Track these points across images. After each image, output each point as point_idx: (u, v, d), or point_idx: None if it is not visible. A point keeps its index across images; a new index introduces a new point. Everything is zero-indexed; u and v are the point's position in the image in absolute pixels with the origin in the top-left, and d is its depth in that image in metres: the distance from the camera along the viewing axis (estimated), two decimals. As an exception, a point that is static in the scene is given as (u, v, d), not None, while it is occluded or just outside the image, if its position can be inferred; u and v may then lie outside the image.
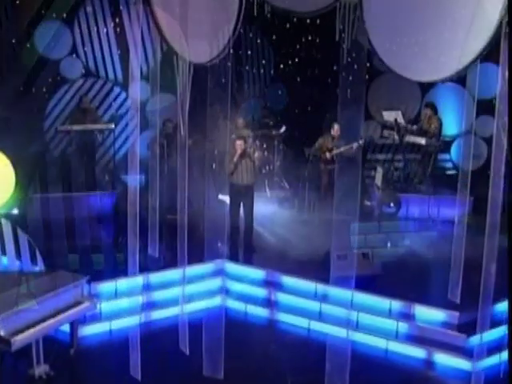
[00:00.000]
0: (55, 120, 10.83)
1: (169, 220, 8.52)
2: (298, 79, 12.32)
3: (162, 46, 8.13)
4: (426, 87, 11.48)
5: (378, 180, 10.50)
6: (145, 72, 10.90)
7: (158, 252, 7.58)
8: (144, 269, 7.27)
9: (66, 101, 10.89)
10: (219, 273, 7.84)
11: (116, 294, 7.13)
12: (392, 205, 10.05)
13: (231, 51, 7.06)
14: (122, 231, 7.59)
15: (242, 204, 8.43)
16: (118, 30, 10.98)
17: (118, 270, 7.31)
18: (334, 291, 7.30)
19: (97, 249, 8.01)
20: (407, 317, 6.94)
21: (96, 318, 6.83)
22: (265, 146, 10.72)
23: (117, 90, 11.22)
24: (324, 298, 7.31)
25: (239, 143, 8.42)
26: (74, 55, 10.92)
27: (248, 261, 8.10)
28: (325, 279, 7.35)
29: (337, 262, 7.42)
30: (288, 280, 7.64)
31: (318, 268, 7.65)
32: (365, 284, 7.12)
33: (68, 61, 10.82)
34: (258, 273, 7.82)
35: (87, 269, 7.19)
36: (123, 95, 11.21)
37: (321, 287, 7.40)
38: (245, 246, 8.41)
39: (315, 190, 10.20)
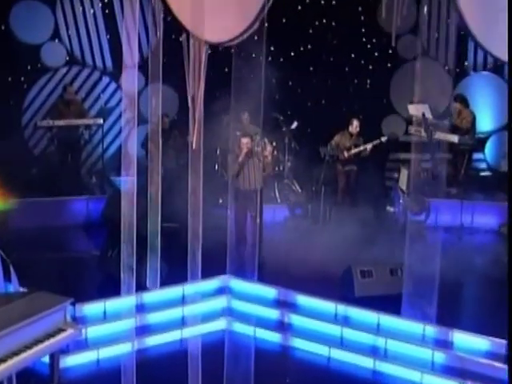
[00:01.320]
0: (35, 114, 10.91)
1: (165, 229, 8.31)
2: (311, 68, 12.29)
3: (164, 22, 7.80)
4: (457, 77, 11.40)
5: (403, 183, 10.33)
6: (138, 59, 10.91)
7: (155, 267, 7.41)
8: (138, 287, 7.10)
9: (48, 92, 10.97)
10: (223, 291, 7.69)
11: (105, 317, 6.93)
12: (420, 211, 9.83)
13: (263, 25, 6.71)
14: (112, 242, 7.53)
15: (248, 211, 8.28)
16: (107, 10, 10.95)
17: (108, 288, 7.17)
18: (358, 313, 7.10)
19: (83, 264, 7.98)
20: (444, 345, 6.66)
21: (81, 345, 6.57)
22: (274, 144, 10.50)
23: (106, 79, 11.31)
24: (346, 322, 7.07)
25: (245, 141, 8.23)
26: (57, 40, 10.98)
27: (257, 277, 7.89)
28: (346, 299, 7.23)
29: (360, 280, 7.29)
30: (303, 300, 7.44)
31: (338, 286, 7.50)
32: (393, 305, 6.91)
33: (49, 46, 10.89)
34: (268, 291, 7.63)
35: (71, 288, 7.05)
36: (113, 86, 11.33)
37: (342, 308, 7.19)
38: (252, 259, 8.21)
39: (331, 195, 10.14)
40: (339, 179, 10.29)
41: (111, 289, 7.06)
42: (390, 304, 6.91)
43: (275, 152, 10.51)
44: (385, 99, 11.77)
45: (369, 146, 10.13)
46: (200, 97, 7.24)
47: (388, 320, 6.93)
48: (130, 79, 10.39)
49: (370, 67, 11.92)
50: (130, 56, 10.03)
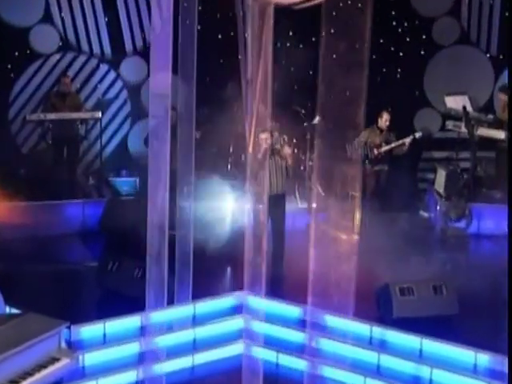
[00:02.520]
0: (23, 106, 10.80)
1: (170, 237, 8.12)
2: (334, 55, 11.52)
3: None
4: (501, 65, 11.30)
5: (440, 185, 10.30)
6: (140, 45, 11.11)
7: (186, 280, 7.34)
8: (142, 305, 6.90)
9: (38, 81, 10.88)
10: (240, 310, 7.50)
11: (105, 341, 6.76)
12: (460, 218, 9.80)
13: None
14: (112, 253, 7.51)
15: (269, 218, 8.08)
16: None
17: (109, 307, 7.08)
18: (397, 337, 6.89)
19: (79, 278, 7.88)
20: (500, 376, 6.33)
21: (78, 374, 6.35)
22: (294, 140, 10.48)
23: (104, 67, 11.23)
24: (383, 347, 6.87)
25: (264, 137, 8.01)
26: (48, 22, 10.87)
27: (278, 294, 7.79)
28: (383, 320, 7.06)
29: (399, 298, 7.07)
30: (333, 320, 7.24)
31: (373, 305, 7.31)
32: (438, 328, 6.80)
33: (40, 29, 10.78)
34: (292, 310, 7.46)
35: (66, 307, 6.94)
36: (112, 75, 11.27)
37: (378, 331, 6.99)
38: (273, 273, 8.06)
39: (360, 198, 9.58)
40: (367, 181, 10.09)
41: (112, 308, 6.99)
42: (434, 327, 6.79)
43: (295, 150, 10.41)
44: (417, 91, 11.62)
45: (406, 142, 9.92)
46: (265, 80, 7.15)
47: (432, 345, 6.71)
48: (132, 67, 10.36)
49: (401, 54, 11.72)
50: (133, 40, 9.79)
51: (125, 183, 10.35)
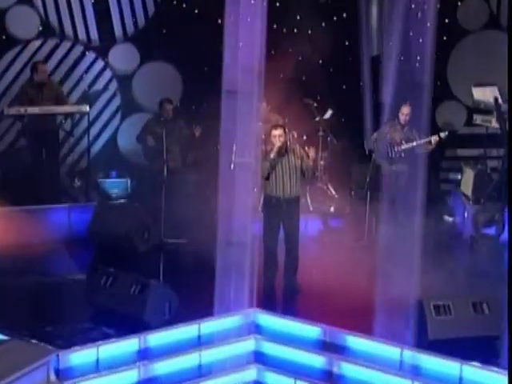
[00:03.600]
0: (0, 99, 10.74)
1: (169, 246, 8.63)
2: (347, 42, 12.00)
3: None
4: None
5: (467, 187, 10.23)
6: (131, 30, 11.09)
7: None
8: (140, 326, 6.82)
9: (16, 70, 10.78)
10: (250, 330, 7.32)
11: (98, 367, 6.55)
12: (490, 223, 9.63)
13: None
14: (104, 265, 7.31)
15: (281, 225, 7.97)
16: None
17: (101, 328, 6.89)
18: (432, 362, 6.67)
19: (66, 294, 7.77)
20: None
21: None
22: (304, 137, 10.37)
23: (90, 55, 11.11)
24: (416, 372, 6.64)
25: (277, 133, 7.89)
26: (27, 4, 10.76)
27: (292, 311, 7.65)
28: (415, 342, 6.80)
29: (435, 317, 6.82)
30: (357, 342, 7.07)
31: (402, 325, 7.02)
32: (480, 352, 6.61)
33: (17, 11, 10.66)
34: (309, 330, 7.25)
35: (53, 330, 6.72)
36: (100, 64, 11.16)
37: (410, 355, 6.77)
38: (286, 288, 7.96)
39: (377, 201, 9.76)
40: (386, 181, 9.83)
41: (106, 329, 6.84)
42: (475, 350, 6.62)
43: (306, 147, 10.06)
44: (439, 81, 11.38)
45: (431, 141, 9.71)
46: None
47: (474, 372, 6.52)
48: (122, 55, 10.83)
49: (420, 40, 11.22)
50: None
51: (115, 185, 10.26)
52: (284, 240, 7.96)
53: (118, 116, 11.18)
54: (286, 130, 8.21)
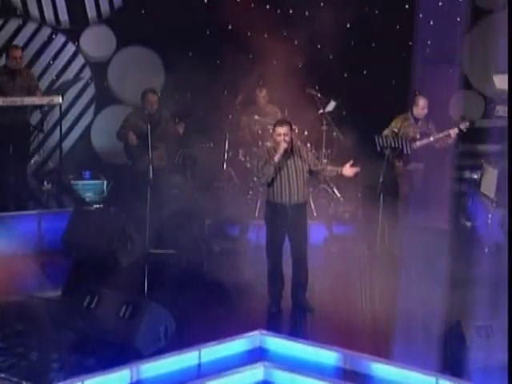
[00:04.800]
0: None
1: (155, 257, 8.47)
2: (348, 25, 11.78)
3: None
4: None
5: (489, 187, 10.14)
6: (106, 10, 10.99)
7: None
8: (132, 355, 6.53)
9: None
10: (257, 356, 7.03)
11: None
12: None
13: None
14: (86, 283, 7.00)
15: (287, 235, 7.78)
16: None
17: (85, 359, 6.58)
18: None
19: (39, 316, 7.38)
20: None
21: None
22: (305, 133, 10.22)
23: (60, 39, 11.02)
24: None
25: (283, 131, 7.69)
26: None
27: (304, 333, 7.53)
28: (454, 370, 6.57)
29: (477, 341, 6.57)
30: (383, 369, 6.77)
31: (435, 349, 6.80)
32: None
33: None
34: (326, 355, 6.97)
35: (25, 362, 6.44)
36: (70, 49, 11.08)
37: None
38: (296, 306, 7.78)
39: (391, 204, 9.78)
40: (399, 182, 9.94)
41: (92, 359, 6.52)
42: None
43: (308, 144, 10.22)
44: (452, 69, 11.27)
45: (451, 135, 9.67)
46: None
47: None
48: (96, 39, 10.81)
49: (431, 23, 11.37)
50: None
51: (89, 187, 10.20)
52: (291, 252, 7.73)
53: (92, 109, 11.08)
54: (292, 126, 7.98)
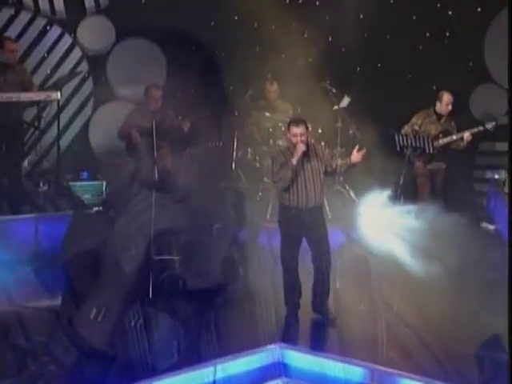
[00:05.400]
0: None
1: (160, 264, 8.27)
2: (361, 15, 11.53)
3: None
4: None
5: None
6: (104, 0, 10.99)
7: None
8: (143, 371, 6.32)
9: None
10: (275, 370, 6.89)
11: None
12: None
13: None
14: (93, 294, 6.99)
15: (306, 241, 7.67)
16: None
17: (91, 376, 6.20)
18: None
19: (39, 328, 6.95)
20: None
21: None
22: (319, 130, 10.15)
23: (55, 31, 10.97)
24: None
25: (300, 131, 7.52)
26: None
27: (325, 346, 7.38)
28: None
29: None
30: None
31: (470, 366, 6.57)
32: None
33: None
34: (352, 371, 6.77)
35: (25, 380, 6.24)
36: (66, 41, 11.03)
37: None
38: (318, 318, 7.62)
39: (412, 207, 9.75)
40: (419, 182, 9.92)
41: (100, 377, 6.15)
42: None
43: (322, 143, 10.00)
44: (472, 61, 11.12)
45: (466, 135, 9.73)
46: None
47: None
48: (94, 31, 10.73)
49: (450, 13, 11.19)
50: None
51: (87, 188, 10.08)
52: (312, 258, 7.56)
53: (90, 105, 10.96)
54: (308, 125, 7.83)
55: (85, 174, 10.24)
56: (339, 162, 7.87)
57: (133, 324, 6.53)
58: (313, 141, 8.24)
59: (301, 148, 7.26)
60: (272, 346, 7.09)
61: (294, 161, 7.29)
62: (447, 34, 11.32)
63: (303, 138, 7.37)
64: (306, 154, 7.45)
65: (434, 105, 9.66)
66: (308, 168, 7.45)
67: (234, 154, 9.88)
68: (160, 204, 8.54)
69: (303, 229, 7.50)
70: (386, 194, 9.53)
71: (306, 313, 7.68)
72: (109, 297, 6.89)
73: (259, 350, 7.03)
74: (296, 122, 7.57)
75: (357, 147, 7.61)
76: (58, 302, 7.62)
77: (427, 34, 11.29)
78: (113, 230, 8.31)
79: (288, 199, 7.46)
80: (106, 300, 6.73)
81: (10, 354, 6.62)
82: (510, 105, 8.60)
